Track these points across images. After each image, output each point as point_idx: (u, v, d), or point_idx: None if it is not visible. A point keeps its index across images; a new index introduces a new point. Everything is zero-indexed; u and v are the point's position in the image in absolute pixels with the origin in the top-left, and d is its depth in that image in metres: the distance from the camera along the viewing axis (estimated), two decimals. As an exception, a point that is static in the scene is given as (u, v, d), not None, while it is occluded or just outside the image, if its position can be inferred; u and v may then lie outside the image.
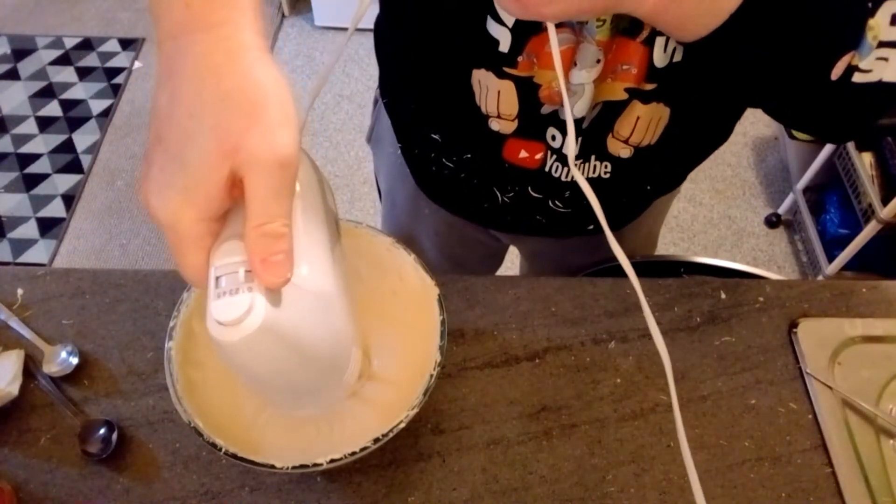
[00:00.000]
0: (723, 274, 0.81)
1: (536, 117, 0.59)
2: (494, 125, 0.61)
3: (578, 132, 0.59)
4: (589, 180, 0.64)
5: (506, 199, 0.71)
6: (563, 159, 0.62)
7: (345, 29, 2.44)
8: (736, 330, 0.69)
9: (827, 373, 0.65)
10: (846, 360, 0.66)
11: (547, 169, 0.64)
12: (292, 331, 0.36)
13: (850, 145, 1.58)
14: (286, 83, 0.34)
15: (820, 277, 1.71)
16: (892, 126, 1.56)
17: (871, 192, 1.51)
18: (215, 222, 0.35)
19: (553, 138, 0.60)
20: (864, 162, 1.56)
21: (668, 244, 1.90)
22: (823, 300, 0.71)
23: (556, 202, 0.69)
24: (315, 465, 0.48)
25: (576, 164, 0.62)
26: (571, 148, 0.48)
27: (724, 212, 1.97)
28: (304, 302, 0.37)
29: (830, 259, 1.67)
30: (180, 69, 0.33)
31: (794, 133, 1.80)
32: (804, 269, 1.85)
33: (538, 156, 0.63)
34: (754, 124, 2.16)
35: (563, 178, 0.64)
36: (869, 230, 1.52)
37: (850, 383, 0.64)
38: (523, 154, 0.63)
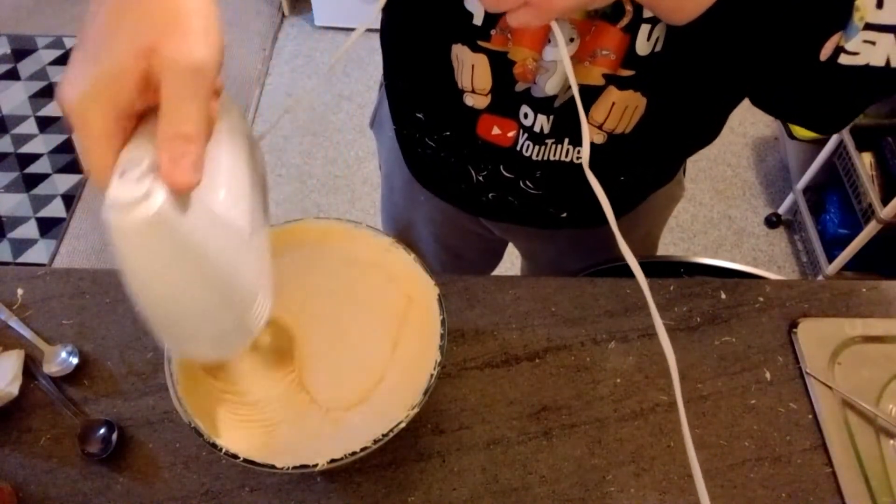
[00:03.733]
0: (723, 274, 0.81)
1: (510, 94, 0.59)
2: (469, 100, 0.62)
3: (550, 110, 0.59)
4: (560, 164, 0.65)
5: (480, 179, 0.72)
6: (534, 138, 0.63)
7: (344, 29, 2.44)
8: (736, 330, 0.69)
9: (827, 373, 0.65)
10: (846, 360, 0.66)
11: (518, 147, 0.64)
12: (190, 240, 0.35)
13: (850, 145, 1.58)
14: (213, 6, 0.34)
15: (820, 277, 1.71)
16: (892, 126, 1.56)
17: (871, 192, 1.51)
18: (126, 121, 0.34)
19: (525, 116, 0.61)
20: (864, 162, 1.56)
21: (668, 244, 1.90)
22: (823, 300, 0.71)
23: (528, 182, 0.69)
24: (315, 465, 0.49)
25: (546, 144, 0.63)
26: (585, 132, 0.47)
27: (724, 212, 1.97)
28: (210, 221, 0.36)
29: (830, 259, 1.67)
30: None
31: (795, 132, 1.80)
32: (804, 269, 1.85)
33: (510, 133, 0.64)
34: (754, 124, 2.16)
35: (533, 158, 0.65)
36: (869, 230, 1.52)
37: (850, 383, 0.64)
38: (496, 131, 0.64)
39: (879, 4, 0.42)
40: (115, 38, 0.33)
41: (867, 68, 0.44)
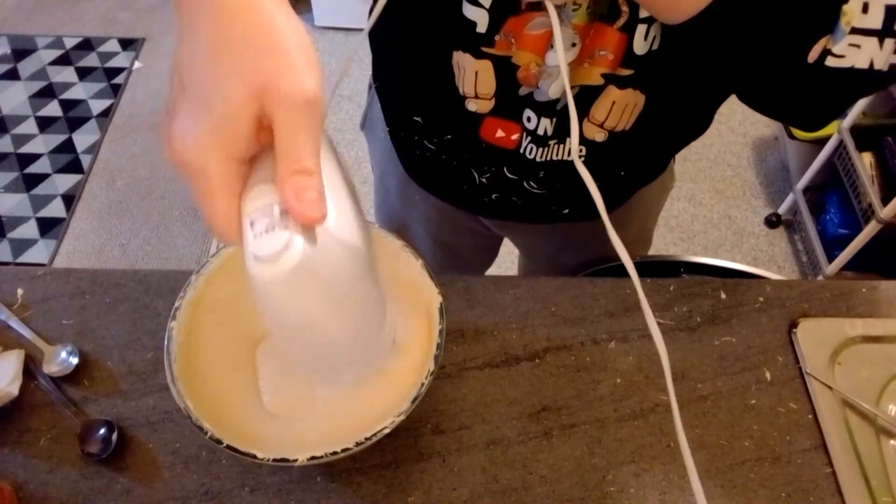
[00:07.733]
0: (723, 274, 0.81)
1: (513, 98, 0.60)
2: (471, 105, 0.62)
3: (552, 113, 0.60)
4: (563, 163, 0.66)
5: (483, 180, 0.72)
6: (537, 140, 0.63)
7: (344, 29, 2.44)
8: (736, 330, 0.69)
9: (827, 373, 0.65)
10: (846, 360, 0.66)
11: (522, 150, 0.65)
12: (328, 275, 0.36)
13: (850, 145, 1.58)
14: (304, 29, 0.34)
15: (820, 277, 1.71)
16: (893, 126, 1.56)
17: (871, 192, 1.51)
18: (243, 165, 0.34)
19: (528, 119, 0.61)
20: (864, 162, 1.56)
21: (668, 244, 1.90)
22: (823, 300, 0.71)
23: (531, 183, 0.70)
24: (295, 459, 0.49)
25: (549, 146, 0.64)
26: (574, 133, 0.48)
27: (724, 212, 1.97)
28: (336, 249, 0.36)
29: (830, 259, 1.67)
30: (199, 19, 0.33)
31: (795, 132, 1.80)
32: (804, 269, 1.85)
33: (514, 136, 0.64)
34: (754, 124, 2.16)
35: (537, 159, 0.65)
36: (869, 230, 1.52)
37: (850, 383, 0.64)
38: (500, 134, 0.64)
39: (865, 9, 0.43)
40: (224, 80, 0.32)
41: (852, 70, 0.45)
